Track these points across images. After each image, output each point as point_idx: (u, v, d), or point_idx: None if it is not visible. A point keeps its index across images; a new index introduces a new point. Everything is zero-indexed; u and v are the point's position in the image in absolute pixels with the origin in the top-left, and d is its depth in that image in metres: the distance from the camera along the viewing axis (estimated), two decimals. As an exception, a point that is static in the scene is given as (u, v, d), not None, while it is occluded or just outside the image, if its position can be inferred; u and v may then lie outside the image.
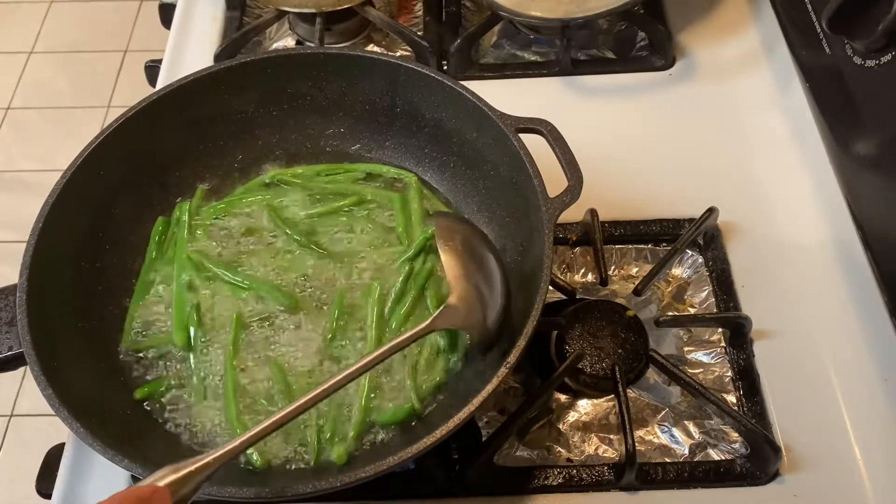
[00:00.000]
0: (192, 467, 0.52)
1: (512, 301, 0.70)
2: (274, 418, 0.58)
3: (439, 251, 0.72)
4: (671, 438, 0.75)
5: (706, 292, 0.83)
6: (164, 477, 0.51)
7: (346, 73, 0.83)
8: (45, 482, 0.77)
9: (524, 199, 0.73)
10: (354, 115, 0.85)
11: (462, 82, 0.78)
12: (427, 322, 0.67)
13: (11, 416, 1.89)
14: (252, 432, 0.57)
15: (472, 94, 0.77)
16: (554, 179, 0.71)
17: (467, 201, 0.83)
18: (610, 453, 0.75)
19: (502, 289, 0.71)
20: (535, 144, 0.73)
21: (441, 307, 0.68)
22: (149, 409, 0.72)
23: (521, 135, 0.74)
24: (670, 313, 0.82)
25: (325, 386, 0.60)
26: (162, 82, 1.02)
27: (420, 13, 1.10)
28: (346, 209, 0.82)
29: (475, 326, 0.69)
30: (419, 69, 0.80)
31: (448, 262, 0.71)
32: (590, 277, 0.85)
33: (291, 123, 0.86)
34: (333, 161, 0.86)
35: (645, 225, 0.87)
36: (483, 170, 0.80)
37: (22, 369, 0.69)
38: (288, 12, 1.04)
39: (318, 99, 0.85)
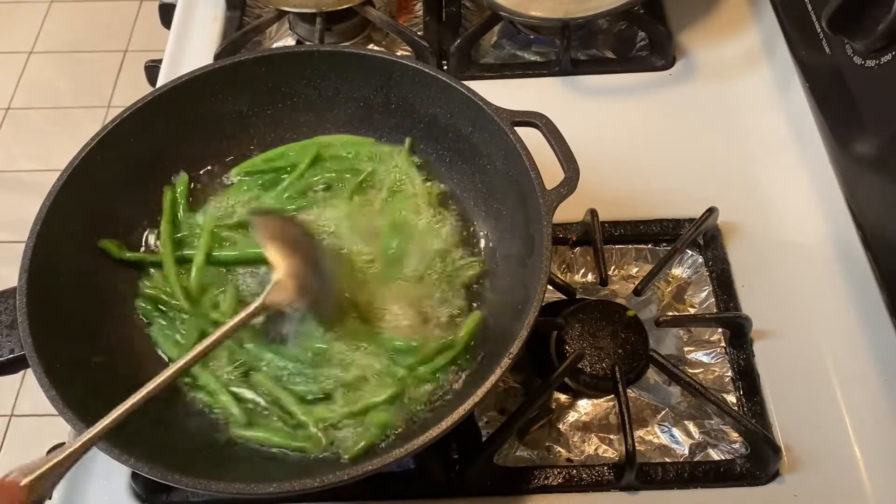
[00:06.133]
0: (45, 468, 0.55)
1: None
2: (127, 404, 0.59)
3: (260, 241, 0.73)
4: (671, 438, 0.75)
5: (706, 292, 0.83)
6: (19, 477, 0.53)
7: (340, 71, 0.83)
8: (45, 482, 0.77)
9: (521, 192, 0.73)
10: (349, 112, 0.85)
11: (463, 82, 0.78)
12: (259, 301, 0.67)
13: (11, 416, 1.89)
14: (101, 425, 0.58)
15: (467, 88, 0.77)
16: (551, 173, 0.71)
17: (464, 196, 0.83)
18: (610, 453, 0.74)
19: (324, 263, 0.73)
20: (531, 138, 0.73)
21: (270, 285, 0.68)
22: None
23: (516, 128, 0.74)
24: (670, 313, 0.82)
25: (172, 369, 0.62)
26: (162, 82, 1.01)
27: (420, 13, 1.10)
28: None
29: (311, 299, 0.70)
30: (413, 65, 0.80)
31: (268, 247, 0.71)
32: (590, 277, 0.85)
33: (286, 122, 0.86)
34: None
35: (645, 225, 0.87)
36: (479, 164, 0.80)
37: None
38: (288, 12, 1.05)
39: (312, 97, 0.85)
